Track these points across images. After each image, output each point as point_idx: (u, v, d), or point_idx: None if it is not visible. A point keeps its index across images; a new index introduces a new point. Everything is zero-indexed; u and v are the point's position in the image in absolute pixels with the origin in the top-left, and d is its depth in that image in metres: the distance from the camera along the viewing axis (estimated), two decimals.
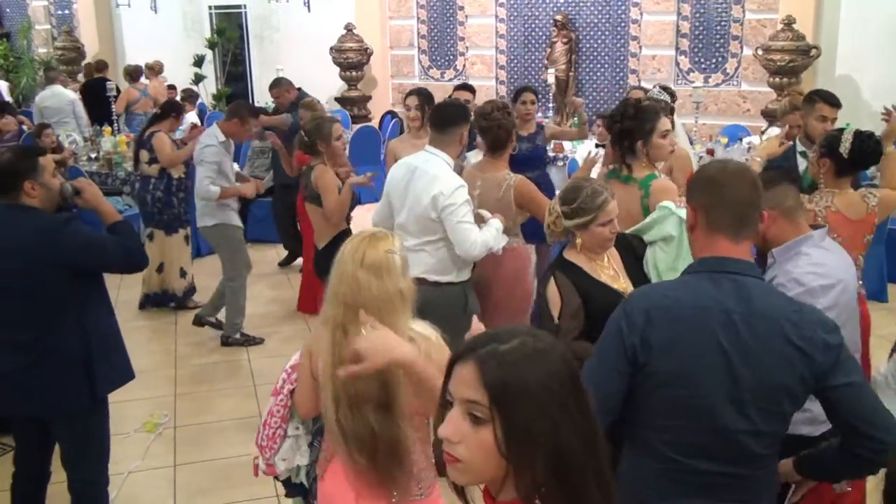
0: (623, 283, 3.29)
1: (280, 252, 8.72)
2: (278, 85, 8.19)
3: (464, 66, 12.93)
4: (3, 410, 3.65)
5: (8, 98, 13.04)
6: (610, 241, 3.27)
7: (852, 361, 2.20)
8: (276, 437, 3.00)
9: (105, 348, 3.55)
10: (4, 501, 3.78)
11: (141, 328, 6.92)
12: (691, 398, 2.19)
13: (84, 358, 3.46)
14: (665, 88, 4.86)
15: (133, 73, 12.08)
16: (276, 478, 3.16)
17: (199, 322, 6.70)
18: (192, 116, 10.60)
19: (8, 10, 17.16)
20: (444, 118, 4.34)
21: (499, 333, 1.45)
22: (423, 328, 2.58)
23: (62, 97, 10.95)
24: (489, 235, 4.16)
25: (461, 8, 12.75)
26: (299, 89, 8.33)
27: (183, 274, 7.30)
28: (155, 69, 12.62)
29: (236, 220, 6.49)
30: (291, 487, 3.15)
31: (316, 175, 5.31)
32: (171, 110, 7.17)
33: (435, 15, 13.07)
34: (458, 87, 7.20)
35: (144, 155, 6.95)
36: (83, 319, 3.46)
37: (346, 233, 5.02)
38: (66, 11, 16.36)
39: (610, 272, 3.30)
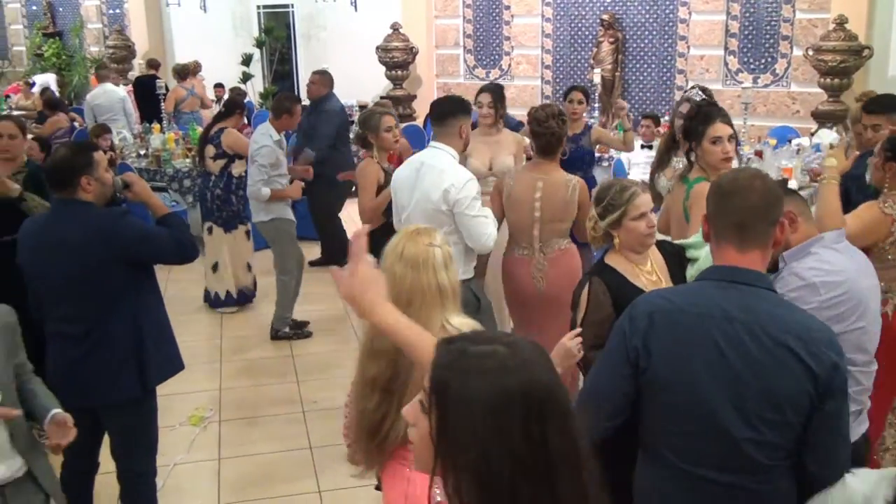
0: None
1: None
2: (322, 73, 8.24)
3: (509, 65, 12.89)
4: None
5: (56, 90, 13.27)
6: (649, 238, 3.18)
7: (844, 384, 2.18)
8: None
9: (156, 339, 3.62)
10: None
11: (188, 321, 6.97)
12: (693, 404, 2.18)
13: (135, 349, 3.53)
14: (703, 90, 4.81)
15: (181, 72, 12.24)
16: None
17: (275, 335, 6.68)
18: None
19: (61, 9, 17.50)
20: (441, 111, 4.38)
21: (480, 335, 1.43)
22: (464, 324, 2.51)
23: (112, 95, 11.13)
24: (495, 230, 4.23)
25: (507, 7, 12.70)
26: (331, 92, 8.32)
27: (249, 268, 7.40)
28: (191, 69, 12.68)
29: (290, 215, 6.60)
30: None
31: (359, 167, 5.30)
32: (235, 108, 7.25)
33: (481, 14, 13.05)
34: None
35: (210, 150, 6.99)
36: (135, 311, 3.53)
37: (385, 227, 4.71)
38: (118, 10, 16.67)
39: (653, 277, 3.19)
